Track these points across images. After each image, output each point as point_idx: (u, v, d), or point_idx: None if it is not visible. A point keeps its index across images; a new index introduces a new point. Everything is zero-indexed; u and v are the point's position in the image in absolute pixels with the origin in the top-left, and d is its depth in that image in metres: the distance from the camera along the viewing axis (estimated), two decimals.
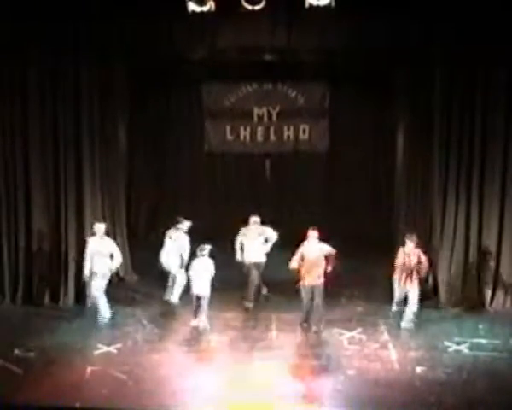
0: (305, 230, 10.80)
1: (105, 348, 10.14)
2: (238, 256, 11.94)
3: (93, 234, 11.42)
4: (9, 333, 10.70)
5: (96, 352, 10.03)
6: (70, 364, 9.57)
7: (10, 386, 8.88)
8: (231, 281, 12.08)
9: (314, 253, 10.60)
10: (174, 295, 11.80)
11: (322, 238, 10.77)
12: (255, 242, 11.91)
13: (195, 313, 10.89)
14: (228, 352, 10.18)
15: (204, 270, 10.80)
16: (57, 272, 12.20)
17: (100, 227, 11.32)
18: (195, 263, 10.92)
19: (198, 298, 10.84)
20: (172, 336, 10.84)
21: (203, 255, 10.84)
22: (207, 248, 10.89)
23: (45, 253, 12.17)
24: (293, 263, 10.66)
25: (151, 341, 10.60)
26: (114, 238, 13.28)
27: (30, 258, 12.17)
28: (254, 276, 11.83)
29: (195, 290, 10.85)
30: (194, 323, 10.88)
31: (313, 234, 10.74)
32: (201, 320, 10.85)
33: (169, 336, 10.83)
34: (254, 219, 12.01)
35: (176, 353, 10.14)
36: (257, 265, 11.90)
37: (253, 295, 11.83)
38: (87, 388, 8.89)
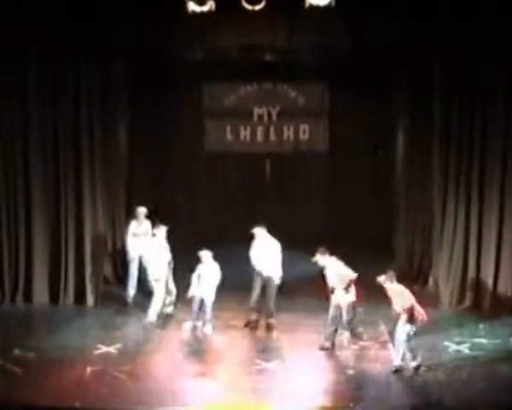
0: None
1: (105, 349, 10.13)
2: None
3: (134, 217, 12.24)
4: (9, 333, 10.69)
5: (96, 352, 10.03)
6: (70, 364, 9.56)
7: (10, 386, 8.88)
8: (231, 281, 12.05)
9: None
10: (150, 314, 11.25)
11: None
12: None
13: (196, 316, 10.87)
14: (228, 352, 10.17)
15: (209, 274, 10.81)
16: (57, 272, 12.21)
17: (141, 211, 12.19)
18: (200, 267, 10.88)
19: (201, 301, 10.81)
20: (172, 336, 10.84)
21: (207, 260, 10.83)
22: (209, 253, 10.87)
23: (45, 253, 12.17)
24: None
25: (151, 341, 10.60)
26: (114, 238, 13.36)
27: (30, 258, 12.17)
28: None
29: (199, 294, 10.81)
30: (188, 325, 10.87)
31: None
32: (207, 324, 10.85)
33: (169, 336, 10.83)
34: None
35: (176, 353, 10.13)
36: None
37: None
38: (87, 388, 8.87)
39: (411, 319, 9.26)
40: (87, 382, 9.08)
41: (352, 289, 10.18)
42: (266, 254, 11.13)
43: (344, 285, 10.10)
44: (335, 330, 10.19)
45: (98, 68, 12.07)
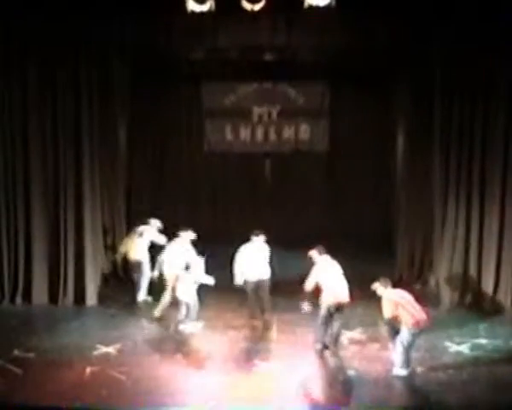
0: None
1: (104, 349, 10.13)
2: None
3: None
4: (9, 333, 10.69)
5: (96, 352, 10.02)
6: (69, 364, 9.56)
7: (10, 386, 8.88)
8: (231, 282, 12.05)
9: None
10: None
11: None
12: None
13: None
14: (228, 352, 10.17)
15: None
16: (57, 272, 12.20)
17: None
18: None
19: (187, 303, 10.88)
20: (172, 336, 10.83)
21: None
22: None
23: (45, 253, 12.16)
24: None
25: (150, 341, 10.60)
26: (114, 238, 13.36)
27: (29, 258, 12.16)
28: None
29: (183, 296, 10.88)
30: (188, 328, 10.93)
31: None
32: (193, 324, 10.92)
33: (168, 336, 10.82)
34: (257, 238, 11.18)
35: (175, 353, 10.12)
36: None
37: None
38: (86, 388, 8.87)
39: (416, 324, 9.14)
40: (86, 382, 9.07)
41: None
42: (251, 261, 11.05)
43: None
44: (326, 331, 10.06)
45: (98, 68, 12.07)
